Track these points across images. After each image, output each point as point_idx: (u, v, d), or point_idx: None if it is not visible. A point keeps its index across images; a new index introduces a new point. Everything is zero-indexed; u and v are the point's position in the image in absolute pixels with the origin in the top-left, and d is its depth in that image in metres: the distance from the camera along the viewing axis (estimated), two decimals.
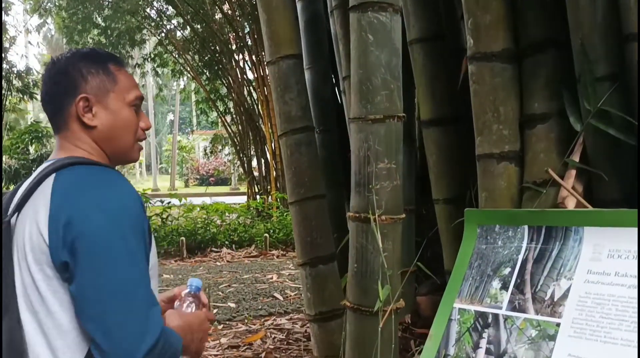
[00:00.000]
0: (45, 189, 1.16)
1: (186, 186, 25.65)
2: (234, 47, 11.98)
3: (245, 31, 11.55)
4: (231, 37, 11.92)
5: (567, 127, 1.93)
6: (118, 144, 1.29)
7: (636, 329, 1.47)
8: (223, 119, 12.68)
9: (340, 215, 3.36)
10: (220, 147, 16.93)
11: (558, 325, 1.61)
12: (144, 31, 12.79)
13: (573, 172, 1.82)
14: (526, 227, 1.82)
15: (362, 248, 2.06)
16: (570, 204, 1.83)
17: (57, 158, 1.25)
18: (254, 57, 11.19)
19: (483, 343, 1.77)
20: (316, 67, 3.37)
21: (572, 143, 1.88)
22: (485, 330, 1.77)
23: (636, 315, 1.49)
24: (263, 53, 10.73)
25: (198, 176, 26.30)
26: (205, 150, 18.51)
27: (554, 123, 1.95)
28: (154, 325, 1.09)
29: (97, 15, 11.69)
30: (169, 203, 9.53)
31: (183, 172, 27.46)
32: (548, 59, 1.99)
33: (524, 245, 1.82)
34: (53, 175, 1.18)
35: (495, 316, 1.76)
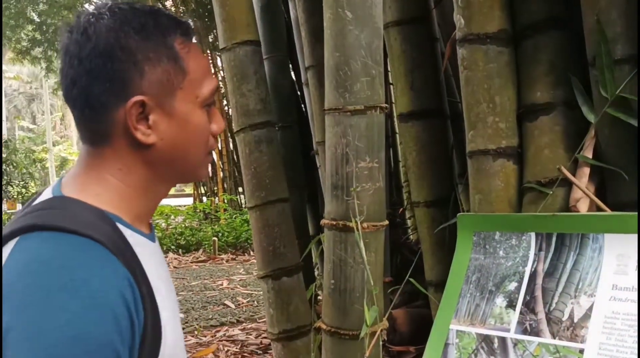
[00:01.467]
0: (4, 256, 0.77)
1: None
2: None
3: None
4: None
5: (575, 119, 1.69)
6: (182, 164, 0.91)
7: None
8: None
9: (302, 221, 3.08)
10: None
11: (582, 351, 1.36)
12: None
13: (586, 170, 1.58)
14: (533, 234, 1.57)
15: (341, 261, 1.76)
16: (584, 207, 1.58)
17: (62, 189, 0.85)
18: None
19: None
20: (274, 57, 3.07)
21: (583, 137, 1.63)
22: (492, 357, 1.51)
23: None
24: (208, 51, 10.42)
25: None
26: None
27: (560, 114, 1.70)
28: None
29: (31, 10, 11.02)
30: None
31: None
32: (550, 41, 1.74)
33: (531, 255, 1.57)
34: (16, 239, 0.78)
35: (503, 340, 1.50)
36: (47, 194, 0.87)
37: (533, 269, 1.55)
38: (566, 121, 1.69)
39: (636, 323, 1.32)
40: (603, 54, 1.52)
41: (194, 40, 0.92)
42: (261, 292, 4.02)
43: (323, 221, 1.83)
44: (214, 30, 9.42)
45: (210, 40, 10.37)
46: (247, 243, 8.84)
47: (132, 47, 0.83)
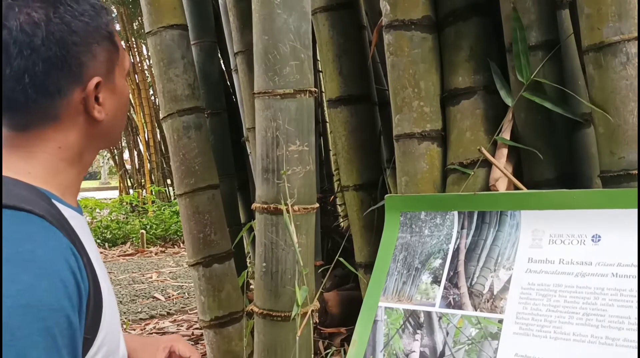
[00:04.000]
0: None
1: None
2: None
3: (113, 15, 10.74)
4: None
5: (494, 103, 1.77)
6: (114, 132, 0.98)
7: (589, 322, 1.33)
8: None
9: (233, 208, 3.06)
10: None
11: (501, 321, 1.44)
12: None
13: (505, 151, 1.66)
14: (456, 213, 1.63)
15: (272, 244, 1.77)
16: (502, 186, 1.67)
17: (6, 175, 0.84)
18: (123, 43, 10.41)
19: (416, 347, 1.55)
20: (202, 43, 3.02)
21: (502, 120, 1.72)
22: (418, 331, 1.56)
23: (588, 305, 1.35)
24: (133, 39, 10.10)
25: None
26: None
27: (480, 98, 1.78)
28: None
29: None
30: None
31: None
32: (471, 27, 1.81)
33: (454, 233, 1.63)
34: None
35: (428, 314, 1.56)
36: None
37: (456, 246, 1.61)
38: (486, 104, 1.77)
39: (549, 292, 1.40)
40: (519, 40, 1.60)
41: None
42: (192, 284, 3.96)
43: (254, 205, 1.84)
44: (139, 17, 9.14)
45: (135, 27, 10.06)
46: (176, 235, 8.68)
47: (82, 31, 0.86)
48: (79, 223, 0.90)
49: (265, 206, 1.78)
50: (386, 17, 1.86)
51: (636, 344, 1.26)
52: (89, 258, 0.85)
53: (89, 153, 0.95)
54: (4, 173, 0.84)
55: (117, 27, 10.36)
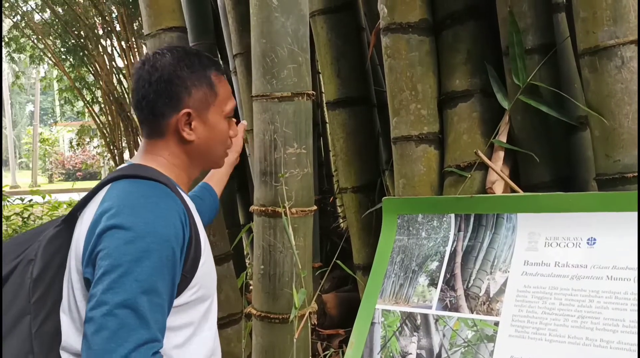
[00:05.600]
0: (98, 198, 1.17)
1: (50, 181, 23.80)
2: (100, 32, 11.12)
3: (113, 15, 10.74)
4: (97, 21, 11.04)
5: (491, 106, 1.78)
6: (209, 157, 1.31)
7: (584, 324, 1.34)
8: (90, 109, 11.73)
9: (233, 210, 3.07)
10: (87, 139, 15.76)
11: (497, 323, 1.45)
12: None
13: (501, 154, 1.67)
14: (453, 216, 1.64)
15: (270, 246, 1.78)
16: (499, 189, 1.67)
17: (133, 162, 1.26)
18: (123, 43, 10.42)
19: (413, 349, 1.56)
20: (201, 44, 3.02)
21: (499, 123, 1.72)
22: (415, 334, 1.57)
23: (583, 308, 1.36)
24: (133, 39, 10.11)
25: (64, 171, 24.46)
26: (71, 142, 17.15)
27: (477, 101, 1.79)
28: None
29: None
30: (30, 200, 8.60)
31: (46, 167, 25.43)
32: (468, 30, 1.82)
33: (451, 235, 1.64)
34: (109, 185, 1.19)
35: (425, 317, 1.57)
36: (122, 166, 1.28)
37: (453, 248, 1.62)
38: (483, 107, 1.78)
39: (545, 294, 1.41)
40: (515, 44, 1.60)
41: (224, 73, 1.32)
42: None
43: (252, 208, 1.85)
44: (139, 18, 9.16)
45: (135, 27, 10.07)
46: None
47: (185, 76, 1.23)
48: (192, 205, 1.25)
49: (263, 208, 1.79)
50: (384, 20, 1.87)
51: (630, 346, 1.26)
52: (194, 220, 1.19)
53: (194, 166, 1.30)
54: (144, 163, 1.24)
55: (117, 27, 10.40)
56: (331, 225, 3.14)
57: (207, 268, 1.21)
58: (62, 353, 1.13)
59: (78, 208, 1.22)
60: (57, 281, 1.16)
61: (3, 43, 12.41)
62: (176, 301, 1.14)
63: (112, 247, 1.06)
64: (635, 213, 1.38)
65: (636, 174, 1.45)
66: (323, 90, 2.81)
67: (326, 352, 2.43)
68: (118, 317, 1.01)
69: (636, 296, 1.31)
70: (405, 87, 1.84)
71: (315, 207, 1.85)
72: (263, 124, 1.78)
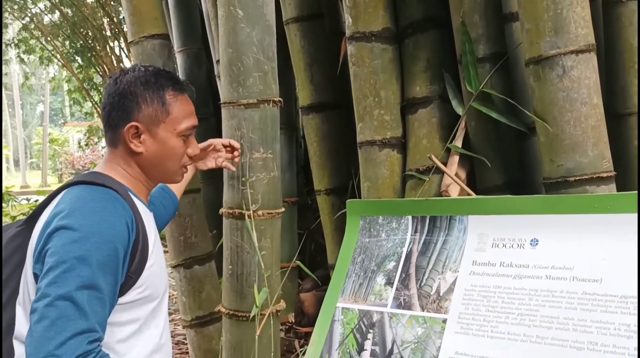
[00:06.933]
0: (55, 201, 1.27)
1: (60, 181, 23.99)
2: (108, 33, 11.24)
3: (120, 16, 10.86)
4: (105, 22, 11.17)
5: (450, 112, 1.84)
6: (161, 170, 1.37)
7: (522, 321, 1.40)
8: (98, 109, 11.87)
9: (218, 211, 3.15)
10: (96, 139, 15.93)
11: (444, 321, 1.52)
12: (5, 14, 11.64)
13: (456, 158, 1.74)
14: (410, 218, 1.71)
15: (237, 247, 1.86)
16: (454, 192, 1.74)
17: (94, 170, 1.36)
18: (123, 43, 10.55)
19: (368, 345, 1.64)
20: (188, 50, 3.11)
21: (455, 128, 1.79)
22: (370, 331, 1.64)
23: (523, 306, 1.42)
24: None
25: (73, 171, 24.65)
26: (79, 143, 17.34)
27: (436, 107, 1.86)
28: (65, 354, 1.09)
29: None
30: (36, 200, 8.74)
31: (56, 167, 25.67)
32: (428, 39, 1.89)
33: (408, 236, 1.71)
34: (67, 189, 1.28)
35: (380, 314, 1.64)
36: (83, 173, 1.39)
37: (409, 249, 1.68)
38: (441, 113, 1.85)
39: (489, 293, 1.47)
40: (467, 53, 1.67)
41: (184, 92, 1.38)
42: None
43: (221, 210, 1.93)
44: None
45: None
46: None
47: (137, 92, 1.31)
48: (145, 212, 1.34)
49: (231, 211, 1.86)
50: (348, 29, 1.94)
51: (562, 342, 1.33)
52: (143, 224, 1.27)
53: (149, 177, 1.37)
54: (106, 173, 1.33)
55: (125, 29, 10.49)
56: (314, 225, 3.21)
57: (155, 270, 1.29)
58: (14, 341, 1.22)
59: (38, 211, 1.30)
60: (14, 277, 1.25)
61: (13, 45, 12.60)
62: (122, 299, 1.22)
63: (58, 245, 1.15)
64: (576, 215, 1.45)
65: (577, 178, 1.51)
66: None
67: (302, 349, 2.51)
68: (58, 308, 1.09)
69: (570, 295, 1.37)
70: (369, 93, 1.91)
71: (282, 209, 1.93)
72: (230, 129, 1.85)
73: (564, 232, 1.46)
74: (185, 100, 1.37)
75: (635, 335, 1.21)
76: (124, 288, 1.23)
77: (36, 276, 1.18)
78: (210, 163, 1.70)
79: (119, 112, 1.30)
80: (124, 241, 1.21)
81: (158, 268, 1.32)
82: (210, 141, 1.67)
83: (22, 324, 1.21)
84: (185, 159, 1.40)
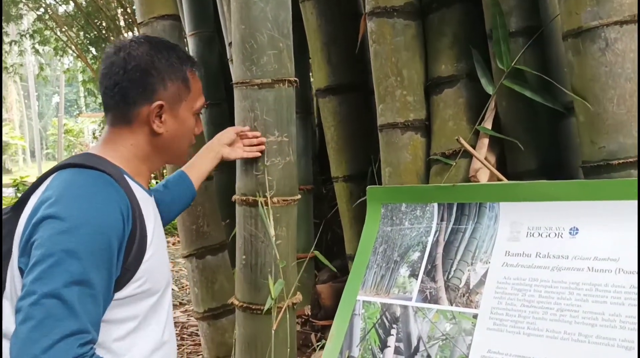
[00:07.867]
0: (44, 186, 1.16)
1: None
2: (122, 23, 11.22)
3: (134, 7, 10.82)
4: (119, 12, 11.15)
5: (478, 91, 1.72)
6: (174, 151, 1.30)
7: (562, 317, 1.28)
8: None
9: (231, 200, 3.06)
10: None
11: (475, 316, 1.40)
12: (20, 5, 11.65)
13: (486, 141, 1.62)
14: (436, 205, 1.59)
15: (251, 236, 1.75)
16: (484, 177, 1.62)
17: (88, 151, 1.26)
18: (131, 34, 10.51)
19: (392, 342, 1.52)
20: (200, 33, 3.00)
21: (484, 109, 1.67)
22: (394, 326, 1.53)
23: (562, 301, 1.30)
24: (135, 29, 10.15)
25: None
26: (94, 133, 17.40)
27: (463, 87, 1.73)
28: (53, 355, 0.99)
29: None
30: None
31: None
32: (455, 13, 1.76)
33: (434, 225, 1.59)
34: (56, 173, 1.17)
35: (405, 308, 1.53)
36: (78, 154, 1.28)
37: (435, 239, 1.57)
38: (469, 93, 1.73)
39: (524, 286, 1.36)
40: (499, 27, 1.54)
41: (197, 70, 1.33)
42: None
43: (234, 197, 1.82)
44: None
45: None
46: None
47: (162, 69, 1.23)
48: (144, 197, 1.23)
49: (244, 198, 1.76)
50: (368, 4, 1.82)
51: (609, 341, 1.21)
52: (140, 214, 1.17)
53: (156, 159, 1.29)
54: (101, 155, 1.22)
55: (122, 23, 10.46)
56: (330, 214, 3.10)
57: (155, 262, 1.19)
58: (4, 339, 1.12)
59: (25, 196, 1.20)
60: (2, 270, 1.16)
61: (28, 35, 12.62)
62: (118, 294, 1.13)
63: (45, 237, 1.05)
64: (619, 202, 1.32)
65: (622, 161, 1.38)
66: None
67: (319, 343, 2.40)
68: (44, 307, 0.99)
69: (616, 289, 1.25)
70: (390, 73, 1.79)
71: (298, 196, 1.82)
72: (243, 111, 1.75)
73: (606, 220, 1.34)
74: (198, 78, 1.33)
75: None
76: (121, 282, 1.12)
77: (22, 271, 1.08)
78: (237, 152, 1.68)
79: (140, 90, 1.21)
80: (118, 231, 1.10)
81: (158, 260, 1.22)
82: (233, 128, 1.65)
83: (10, 321, 1.10)
84: (193, 139, 1.35)
